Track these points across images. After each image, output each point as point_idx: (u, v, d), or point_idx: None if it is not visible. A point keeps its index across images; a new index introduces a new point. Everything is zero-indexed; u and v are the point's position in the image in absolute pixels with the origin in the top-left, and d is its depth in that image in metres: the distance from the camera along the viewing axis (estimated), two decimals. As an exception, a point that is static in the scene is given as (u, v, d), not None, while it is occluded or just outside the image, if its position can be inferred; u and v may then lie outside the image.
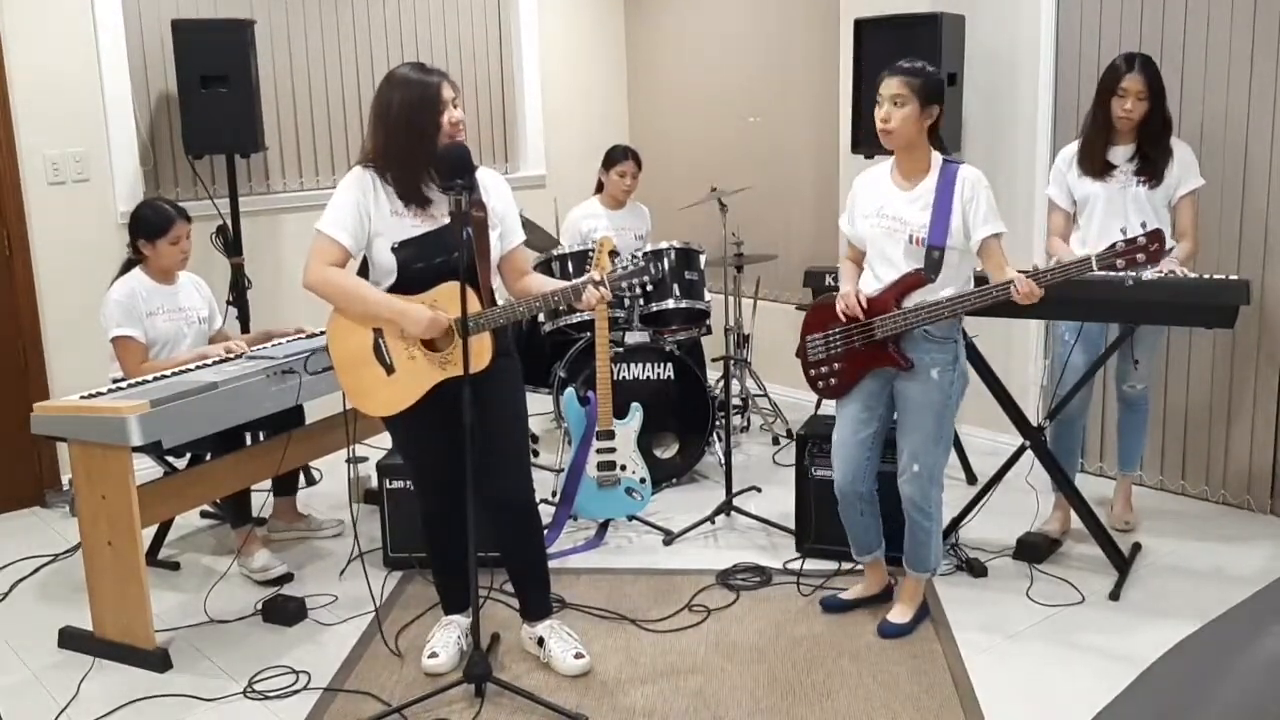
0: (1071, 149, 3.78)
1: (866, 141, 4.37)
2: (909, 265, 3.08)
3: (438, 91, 2.81)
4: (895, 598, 3.40)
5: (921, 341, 3.11)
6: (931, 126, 3.08)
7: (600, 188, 5.04)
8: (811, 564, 3.76)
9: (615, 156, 4.94)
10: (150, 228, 3.78)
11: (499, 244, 2.98)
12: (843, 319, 3.18)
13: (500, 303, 2.96)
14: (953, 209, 3.04)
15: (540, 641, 3.17)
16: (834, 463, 3.34)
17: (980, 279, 3.21)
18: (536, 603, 3.21)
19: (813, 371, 3.31)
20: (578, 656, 3.11)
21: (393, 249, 2.86)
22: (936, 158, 3.11)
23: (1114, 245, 2.93)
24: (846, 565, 3.63)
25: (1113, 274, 2.96)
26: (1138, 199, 3.64)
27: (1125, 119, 3.58)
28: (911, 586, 3.36)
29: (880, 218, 3.13)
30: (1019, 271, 3.02)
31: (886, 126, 3.04)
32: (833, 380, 3.27)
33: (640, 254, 4.65)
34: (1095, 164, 3.68)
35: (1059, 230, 3.79)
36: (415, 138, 2.82)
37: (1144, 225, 2.96)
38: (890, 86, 3.03)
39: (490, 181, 2.99)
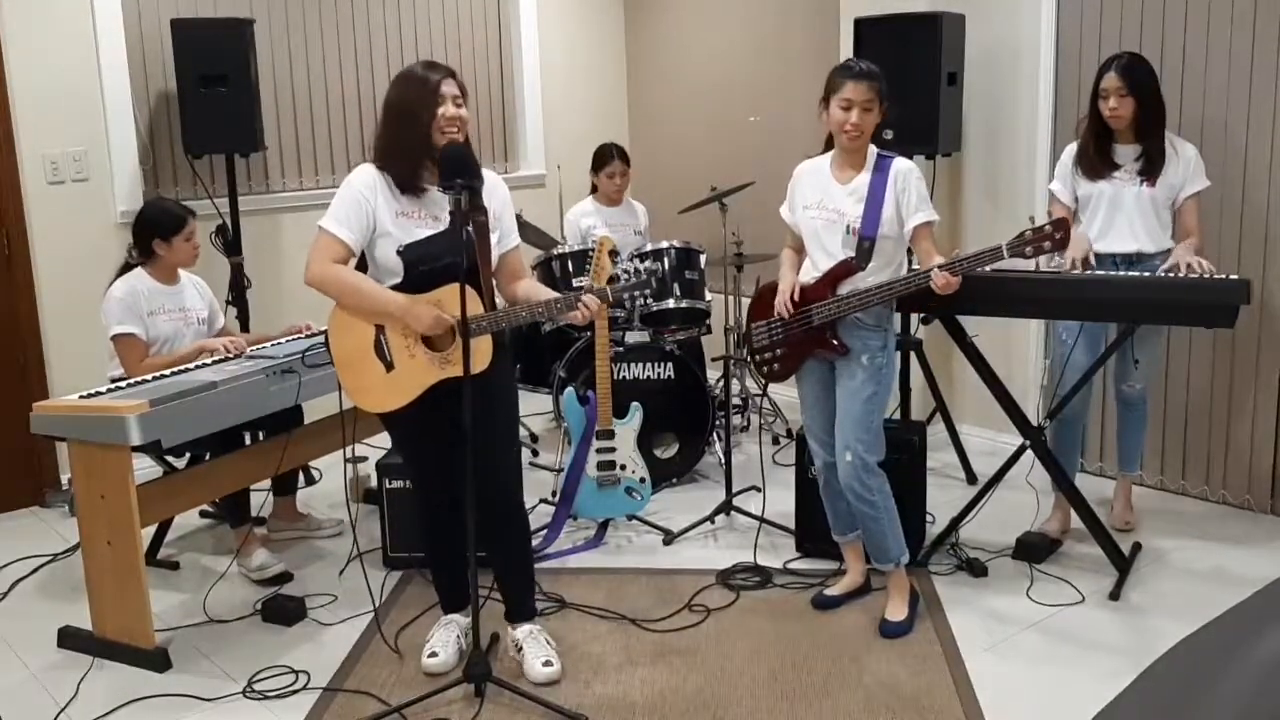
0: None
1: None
2: (846, 254, 3.20)
3: (436, 87, 2.84)
4: (887, 596, 3.39)
5: (854, 329, 3.24)
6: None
7: (594, 189, 5.05)
8: (811, 564, 3.76)
9: (602, 159, 4.97)
10: (165, 227, 3.81)
11: (497, 247, 2.99)
12: (779, 312, 3.32)
13: (499, 305, 2.97)
14: (885, 199, 3.16)
15: (518, 645, 3.16)
16: (810, 446, 3.46)
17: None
18: (519, 604, 3.19)
19: (757, 357, 3.47)
20: (545, 665, 3.07)
21: (399, 251, 2.87)
22: (873, 151, 3.24)
23: (1022, 233, 3.03)
24: (845, 565, 3.62)
25: (1091, 274, 2.99)
26: (1139, 198, 3.64)
27: (1113, 118, 3.62)
28: (895, 581, 3.37)
29: (820, 210, 3.26)
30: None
31: (859, 131, 3.15)
32: (776, 365, 3.42)
33: (640, 254, 4.64)
34: (1092, 165, 3.70)
35: None
36: (408, 130, 2.85)
37: (1049, 215, 3.02)
38: (861, 92, 3.13)
39: (491, 184, 2.99)
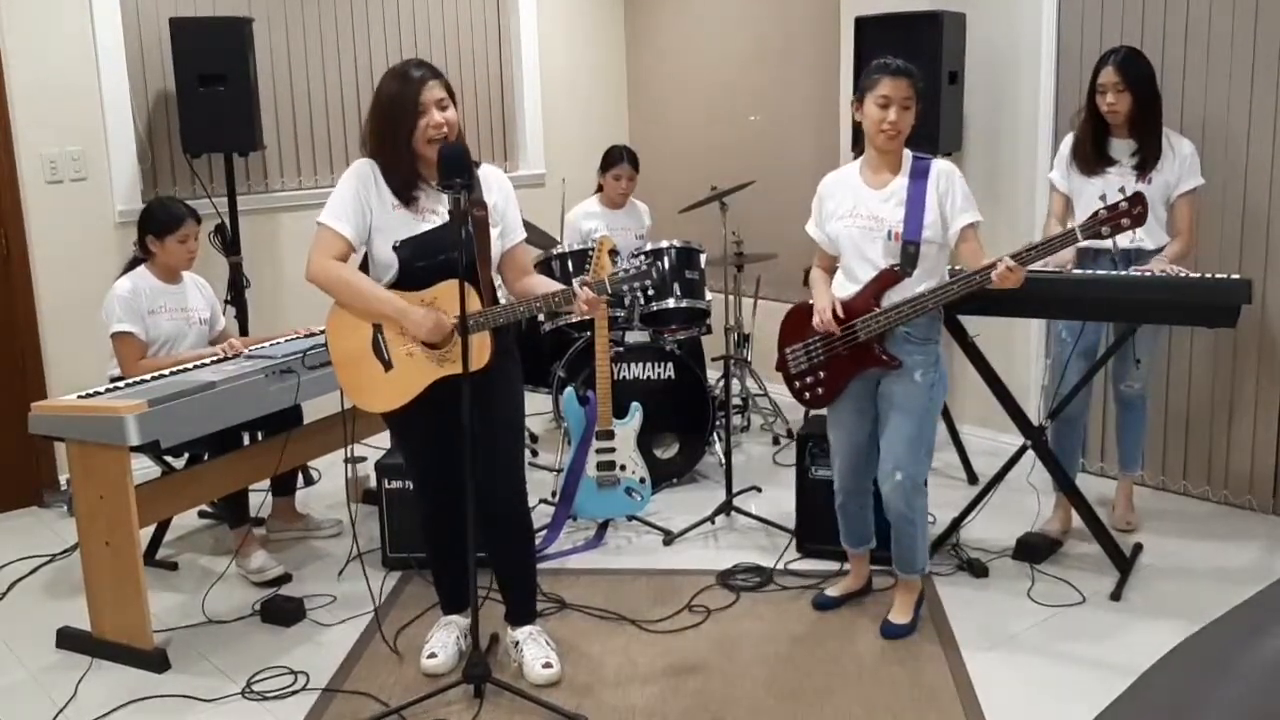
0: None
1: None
2: (888, 262, 3.07)
3: (416, 93, 2.79)
4: (893, 598, 3.38)
5: (903, 343, 3.11)
6: None
7: (600, 188, 5.04)
8: (811, 564, 3.75)
9: (611, 160, 4.94)
10: (160, 224, 3.79)
11: (499, 242, 2.97)
12: (820, 328, 3.16)
13: (501, 301, 2.95)
14: (928, 202, 3.05)
15: (518, 646, 3.15)
16: (834, 465, 3.36)
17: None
18: (520, 607, 3.19)
19: (797, 383, 3.29)
20: (545, 666, 3.06)
21: (394, 246, 2.85)
22: (907, 154, 3.13)
23: (1096, 213, 2.93)
24: (847, 566, 3.61)
25: (1093, 274, 2.94)
26: None
27: (1110, 113, 3.61)
28: (908, 585, 3.35)
29: (855, 218, 3.12)
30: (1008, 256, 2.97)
31: (896, 130, 3.04)
32: (819, 390, 3.24)
33: (641, 254, 4.65)
34: (1088, 160, 3.69)
35: (1058, 213, 3.80)
36: (390, 138, 2.83)
37: (1122, 191, 2.95)
38: (900, 89, 3.03)
39: (492, 178, 2.98)
